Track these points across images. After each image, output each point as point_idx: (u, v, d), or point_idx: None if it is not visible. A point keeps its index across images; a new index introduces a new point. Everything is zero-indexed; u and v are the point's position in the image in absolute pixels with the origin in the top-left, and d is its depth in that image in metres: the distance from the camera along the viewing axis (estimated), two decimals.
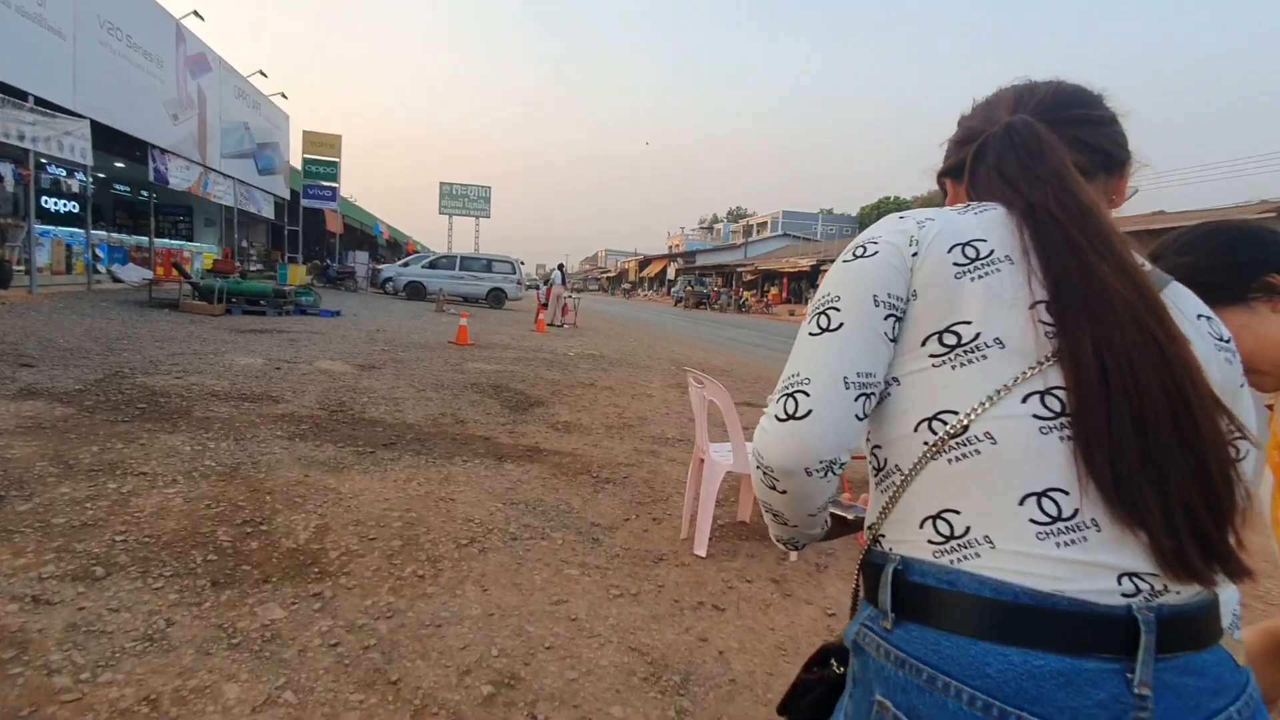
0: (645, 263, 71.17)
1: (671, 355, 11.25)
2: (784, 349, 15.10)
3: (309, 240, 26.32)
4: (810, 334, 0.74)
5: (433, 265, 22.13)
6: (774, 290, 40.51)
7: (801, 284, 38.01)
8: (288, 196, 22.27)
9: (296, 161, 23.59)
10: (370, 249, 31.88)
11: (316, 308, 12.71)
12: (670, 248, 73.83)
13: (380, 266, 26.07)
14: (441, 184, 37.70)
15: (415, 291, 21.30)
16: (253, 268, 19.94)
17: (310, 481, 3.26)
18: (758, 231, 65.57)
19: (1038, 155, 0.74)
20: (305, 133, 24.11)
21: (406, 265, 23.29)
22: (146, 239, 17.20)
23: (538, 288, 21.70)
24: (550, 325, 15.15)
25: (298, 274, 19.37)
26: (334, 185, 24.23)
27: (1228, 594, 0.75)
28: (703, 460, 3.18)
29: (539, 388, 6.60)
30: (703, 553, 2.97)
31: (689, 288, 44.21)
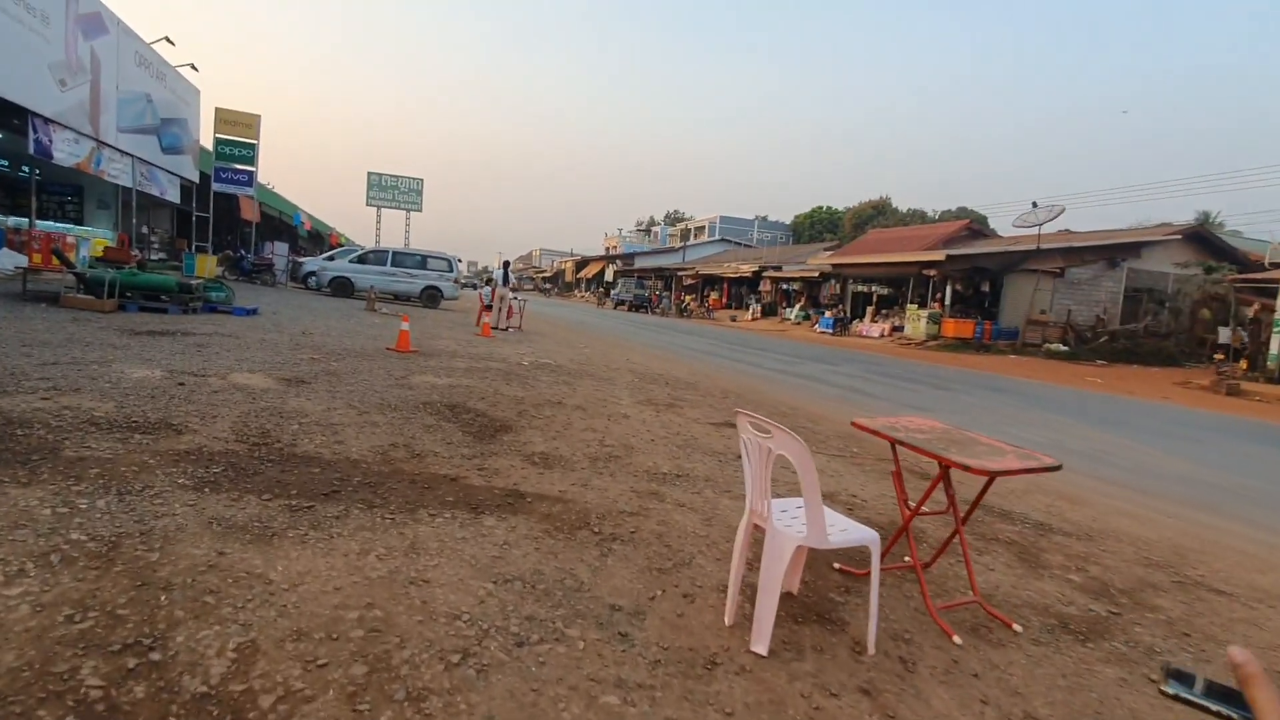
0: (583, 263, 70.15)
1: (629, 364, 10.55)
2: (741, 358, 14.78)
3: (220, 229, 24.06)
4: None
5: (361, 260, 20.58)
6: (714, 295, 40.44)
7: (742, 289, 38.04)
8: (196, 179, 20.14)
9: (207, 141, 21.45)
10: (290, 240, 29.64)
11: (230, 304, 11.26)
12: (607, 249, 72.93)
13: (302, 259, 24.16)
14: (370, 174, 35.52)
15: (342, 288, 19.77)
16: (154, 257, 17.94)
17: (226, 564, 2.36)
18: (695, 235, 65.57)
19: None
20: (218, 110, 21.96)
21: (332, 259, 21.62)
22: (27, 220, 15.06)
23: (474, 287, 20.56)
24: (495, 329, 14.16)
25: (207, 265, 17.59)
26: (250, 169, 22.19)
27: None
28: (757, 526, 2.51)
29: (502, 407, 5.76)
30: (763, 650, 2.30)
31: (602, 293, 43.61)
